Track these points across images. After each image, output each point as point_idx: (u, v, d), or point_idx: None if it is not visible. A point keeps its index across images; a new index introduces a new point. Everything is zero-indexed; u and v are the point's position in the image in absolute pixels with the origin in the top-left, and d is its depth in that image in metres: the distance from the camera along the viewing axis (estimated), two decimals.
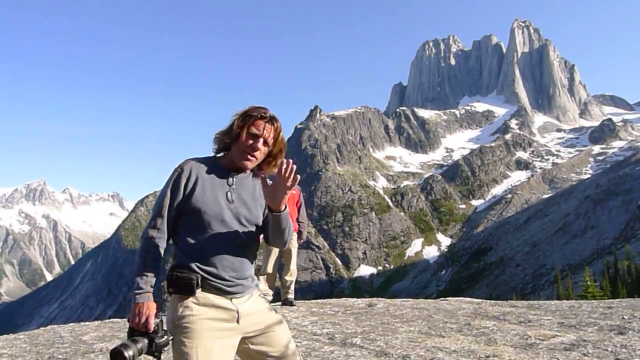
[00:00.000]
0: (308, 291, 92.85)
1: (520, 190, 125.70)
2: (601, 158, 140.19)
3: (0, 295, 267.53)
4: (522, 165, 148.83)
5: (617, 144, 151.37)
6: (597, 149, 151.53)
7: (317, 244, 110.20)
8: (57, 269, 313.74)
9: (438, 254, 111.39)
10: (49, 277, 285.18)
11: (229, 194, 2.14)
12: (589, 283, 28.91)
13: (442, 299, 7.73)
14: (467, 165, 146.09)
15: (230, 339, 2.06)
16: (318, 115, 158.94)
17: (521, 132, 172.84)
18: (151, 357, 1.95)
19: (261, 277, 7.06)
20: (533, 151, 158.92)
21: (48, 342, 5.15)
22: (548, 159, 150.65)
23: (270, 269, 6.97)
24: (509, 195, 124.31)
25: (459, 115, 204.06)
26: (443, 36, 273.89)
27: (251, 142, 2.13)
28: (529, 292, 70.18)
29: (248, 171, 2.24)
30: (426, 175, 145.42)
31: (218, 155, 2.24)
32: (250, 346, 2.14)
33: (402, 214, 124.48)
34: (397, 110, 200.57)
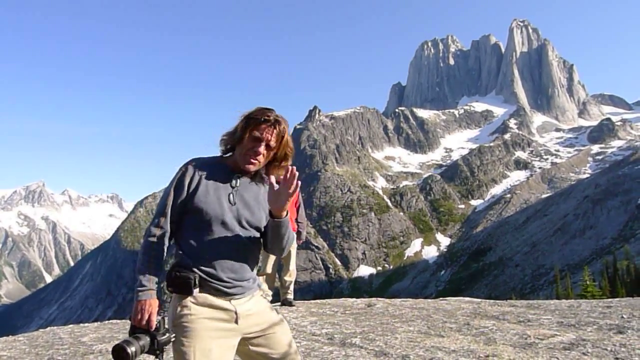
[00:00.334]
0: (307, 291, 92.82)
1: (519, 190, 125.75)
2: (600, 158, 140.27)
3: (0, 297, 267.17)
4: (521, 165, 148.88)
5: (616, 143, 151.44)
6: (596, 148, 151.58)
7: (316, 244, 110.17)
8: (57, 271, 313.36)
9: (437, 254, 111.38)
10: (49, 279, 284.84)
11: (231, 195, 2.12)
12: (588, 283, 28.88)
13: (441, 298, 7.73)
14: (466, 165, 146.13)
15: (229, 339, 2.05)
16: (317, 115, 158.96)
17: (520, 132, 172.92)
18: (153, 357, 1.95)
19: (260, 278, 7.06)
20: (532, 151, 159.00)
21: (47, 344, 5.14)
22: (547, 159, 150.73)
23: (269, 269, 6.97)
24: (508, 195, 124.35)
25: (457, 115, 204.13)
26: (442, 36, 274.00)
27: (252, 146, 2.11)
28: (528, 292, 70.18)
29: (253, 173, 2.20)
30: (425, 176, 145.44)
31: (224, 155, 2.21)
32: (251, 347, 2.14)
33: (401, 214, 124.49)
34: (396, 110, 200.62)
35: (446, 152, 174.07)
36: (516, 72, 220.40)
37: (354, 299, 7.61)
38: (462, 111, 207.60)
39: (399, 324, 5.13)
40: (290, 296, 7.04)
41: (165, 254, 2.07)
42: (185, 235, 2.09)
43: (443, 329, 4.78)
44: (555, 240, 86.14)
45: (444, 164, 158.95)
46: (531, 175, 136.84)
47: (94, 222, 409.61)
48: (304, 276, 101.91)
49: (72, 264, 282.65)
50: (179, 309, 2.02)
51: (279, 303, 7.03)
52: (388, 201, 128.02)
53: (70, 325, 6.67)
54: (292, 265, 7.12)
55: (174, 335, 1.97)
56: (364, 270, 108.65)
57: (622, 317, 5.07)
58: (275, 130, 2.13)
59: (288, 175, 2.02)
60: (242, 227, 2.13)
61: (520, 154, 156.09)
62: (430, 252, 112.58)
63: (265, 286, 7.09)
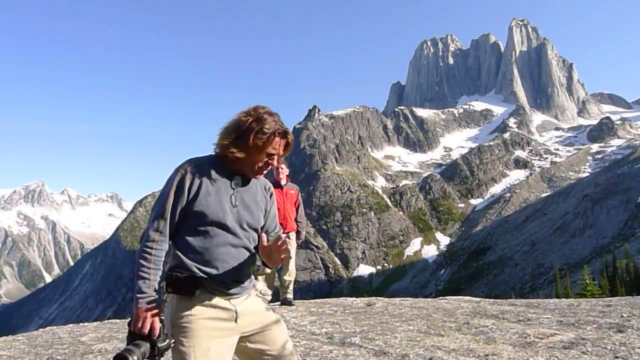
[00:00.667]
0: (307, 291, 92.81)
1: (519, 189, 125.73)
2: (600, 157, 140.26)
3: (0, 297, 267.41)
4: (520, 164, 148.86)
5: (616, 142, 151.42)
6: (595, 147, 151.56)
7: (316, 243, 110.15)
8: (56, 270, 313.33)
9: (437, 253, 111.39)
10: (48, 279, 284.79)
11: (233, 197, 2.11)
12: (587, 282, 28.91)
13: (440, 298, 7.74)
14: (465, 165, 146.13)
15: (228, 338, 2.07)
16: (316, 115, 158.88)
17: (520, 131, 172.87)
18: None
19: (260, 277, 7.07)
20: (531, 150, 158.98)
21: (47, 343, 5.14)
22: (546, 158, 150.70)
23: (268, 269, 6.96)
24: (508, 194, 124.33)
25: (457, 115, 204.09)
26: (441, 35, 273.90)
27: (267, 159, 2.12)
28: (528, 291, 70.22)
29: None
30: (425, 175, 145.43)
31: (221, 154, 2.16)
32: (248, 345, 2.15)
33: (400, 213, 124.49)
34: (396, 109, 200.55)
35: (446, 151, 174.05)
36: (516, 71, 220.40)
37: (354, 299, 7.62)
38: (461, 110, 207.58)
39: (399, 323, 5.13)
40: (290, 296, 7.04)
41: (164, 258, 2.02)
42: (185, 237, 2.07)
43: (443, 328, 4.78)
44: (555, 239, 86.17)
45: (444, 163, 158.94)
46: (531, 174, 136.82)
47: (93, 221, 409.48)
48: (303, 276, 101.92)
49: (71, 263, 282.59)
50: (179, 309, 2.01)
51: (279, 302, 7.03)
52: (388, 200, 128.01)
53: (70, 325, 6.67)
54: (292, 265, 7.13)
55: (173, 340, 1.95)
56: (364, 270, 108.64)
57: (622, 316, 5.07)
58: (286, 141, 2.15)
59: (279, 243, 2.03)
60: (243, 229, 2.14)
61: (519, 153, 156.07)
62: (430, 252, 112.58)
63: (264, 286, 7.11)
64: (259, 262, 2.20)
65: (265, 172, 2.18)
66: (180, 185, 2.04)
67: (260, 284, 7.10)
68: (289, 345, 2.22)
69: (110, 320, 7.03)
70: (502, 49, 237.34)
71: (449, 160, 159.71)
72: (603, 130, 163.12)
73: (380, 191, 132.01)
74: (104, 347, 4.70)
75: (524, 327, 4.71)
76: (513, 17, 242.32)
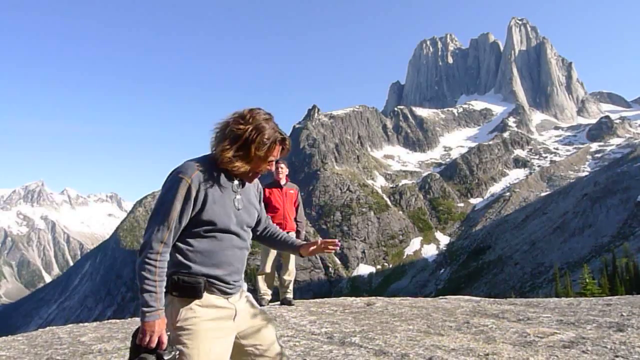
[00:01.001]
0: (307, 290, 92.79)
1: (519, 189, 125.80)
2: (599, 156, 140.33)
3: None
4: (520, 163, 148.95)
5: (615, 141, 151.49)
6: (595, 146, 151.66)
7: None
8: (56, 270, 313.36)
9: (437, 252, 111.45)
10: (48, 279, 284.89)
11: (235, 201, 2.13)
12: (587, 281, 28.95)
13: (440, 297, 7.74)
14: (465, 164, 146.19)
15: (229, 337, 2.09)
16: (316, 114, 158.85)
17: (519, 130, 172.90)
18: None
19: (259, 277, 7.08)
20: (531, 149, 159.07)
21: (46, 344, 5.14)
22: (546, 157, 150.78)
23: (268, 269, 6.98)
24: (507, 194, 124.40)
25: (457, 114, 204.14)
26: (440, 35, 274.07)
27: (265, 166, 2.13)
28: (528, 290, 70.26)
29: None
30: (424, 174, 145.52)
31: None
32: (242, 341, 2.18)
33: (400, 212, 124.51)
34: (395, 109, 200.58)
35: (445, 150, 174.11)
36: (515, 70, 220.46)
37: (353, 298, 7.62)
38: (461, 110, 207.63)
39: (399, 323, 5.13)
40: (290, 295, 7.04)
41: (167, 265, 1.99)
42: (189, 241, 2.04)
43: (442, 328, 4.78)
44: (555, 239, 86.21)
45: (443, 162, 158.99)
46: (530, 173, 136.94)
47: (93, 221, 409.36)
48: (303, 275, 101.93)
49: (71, 263, 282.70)
50: (182, 312, 1.99)
51: (279, 302, 7.03)
52: (387, 200, 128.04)
53: (70, 325, 6.66)
54: (292, 265, 7.12)
55: (178, 352, 1.93)
56: (364, 269, 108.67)
57: (622, 315, 5.07)
58: (283, 147, 2.16)
59: (331, 245, 2.35)
60: (244, 230, 2.18)
61: (519, 152, 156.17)
62: (430, 251, 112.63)
63: (264, 285, 7.11)
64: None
65: (260, 175, 2.21)
66: (187, 195, 1.98)
67: (260, 283, 7.10)
68: (277, 344, 2.28)
69: (109, 320, 7.02)
70: (502, 48, 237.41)
71: (448, 160, 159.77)
72: (602, 129, 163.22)
73: (379, 191, 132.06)
74: (103, 347, 4.70)
75: (524, 326, 4.71)
76: (512, 16, 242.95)
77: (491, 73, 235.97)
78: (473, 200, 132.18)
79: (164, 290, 1.95)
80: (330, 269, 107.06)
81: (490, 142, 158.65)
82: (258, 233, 2.46)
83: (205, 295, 2.03)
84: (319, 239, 2.42)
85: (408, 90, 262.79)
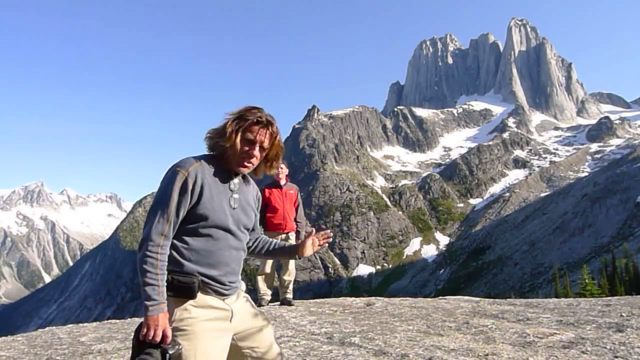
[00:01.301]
0: (306, 291, 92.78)
1: (518, 189, 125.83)
2: (599, 156, 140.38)
3: None
4: (519, 163, 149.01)
5: (615, 142, 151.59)
6: (594, 147, 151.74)
7: None
8: (56, 271, 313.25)
9: (436, 252, 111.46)
10: (48, 279, 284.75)
11: (232, 200, 2.11)
12: (587, 281, 28.92)
13: (440, 297, 7.74)
14: (465, 164, 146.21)
15: (225, 338, 2.07)
16: (316, 115, 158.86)
17: (519, 131, 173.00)
18: None
19: (259, 277, 7.07)
20: (531, 150, 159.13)
21: (46, 344, 5.14)
22: (546, 158, 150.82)
23: (268, 269, 6.98)
24: (507, 194, 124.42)
25: (456, 114, 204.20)
26: (440, 35, 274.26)
27: (247, 148, 2.08)
28: (527, 290, 70.24)
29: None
30: (424, 174, 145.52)
31: (214, 153, 2.15)
32: (239, 343, 2.16)
33: (400, 213, 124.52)
34: (395, 109, 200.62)
35: (445, 151, 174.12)
36: (515, 70, 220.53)
37: (353, 298, 7.61)
38: (460, 110, 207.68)
39: (398, 323, 5.13)
40: (290, 295, 7.04)
41: (167, 262, 1.98)
42: (185, 239, 2.03)
43: (442, 328, 4.78)
44: (554, 239, 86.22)
45: (443, 162, 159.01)
46: (530, 173, 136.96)
47: (92, 221, 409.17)
48: (303, 275, 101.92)
49: (71, 263, 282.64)
50: (178, 312, 1.97)
51: (279, 302, 7.03)
52: (387, 200, 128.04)
53: (69, 325, 6.66)
54: (291, 265, 7.13)
55: (182, 346, 1.91)
56: (363, 270, 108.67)
57: (621, 315, 5.07)
58: (268, 131, 2.11)
59: (325, 238, 2.37)
60: (240, 230, 2.16)
61: (519, 153, 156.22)
62: (429, 251, 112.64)
63: (264, 285, 7.11)
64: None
65: (249, 164, 2.13)
66: (184, 187, 1.98)
67: (260, 283, 7.10)
68: (275, 345, 2.26)
69: (109, 321, 7.02)
70: (501, 48, 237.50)
71: (448, 160, 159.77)
72: (602, 129, 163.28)
73: (379, 191, 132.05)
74: (103, 348, 4.70)
75: (524, 326, 4.71)
76: (512, 17, 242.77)
77: (491, 73, 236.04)
78: (473, 201, 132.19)
79: (165, 282, 1.93)
80: (330, 269, 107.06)
81: (490, 143, 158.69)
82: (249, 244, 2.40)
83: (201, 295, 2.01)
84: (313, 231, 2.40)
85: (408, 90, 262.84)
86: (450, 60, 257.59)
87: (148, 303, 1.85)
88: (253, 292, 6.58)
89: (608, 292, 32.79)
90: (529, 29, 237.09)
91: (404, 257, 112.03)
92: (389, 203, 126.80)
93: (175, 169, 2.02)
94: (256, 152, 2.10)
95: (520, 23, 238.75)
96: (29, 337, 5.77)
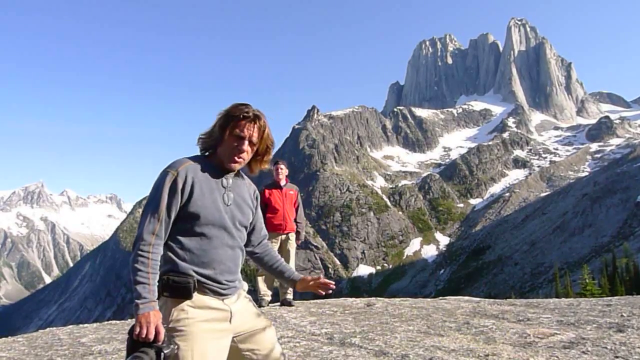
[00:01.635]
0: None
1: (518, 189, 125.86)
2: (599, 156, 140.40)
3: None
4: (519, 163, 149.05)
5: (615, 141, 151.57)
6: (594, 146, 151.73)
7: (315, 244, 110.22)
8: (56, 271, 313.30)
9: (436, 253, 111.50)
10: (48, 280, 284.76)
11: (225, 196, 2.11)
12: (587, 281, 28.94)
13: (440, 298, 7.73)
14: (464, 164, 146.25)
15: (224, 339, 2.05)
16: (315, 115, 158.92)
17: (518, 131, 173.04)
18: None
19: (259, 278, 7.07)
20: (530, 149, 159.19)
21: (46, 345, 5.14)
22: (545, 157, 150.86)
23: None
24: (507, 194, 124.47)
25: (456, 114, 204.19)
26: (440, 35, 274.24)
27: (236, 144, 2.10)
28: (528, 290, 70.29)
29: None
30: (424, 175, 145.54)
31: (207, 154, 2.18)
32: (239, 345, 2.14)
33: (400, 213, 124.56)
34: (395, 109, 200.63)
35: (445, 151, 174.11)
36: (514, 70, 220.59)
37: (353, 299, 7.61)
38: (460, 110, 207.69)
39: (399, 324, 5.13)
40: (290, 296, 7.04)
41: (159, 262, 1.98)
42: (179, 239, 2.04)
43: (442, 328, 4.78)
44: (554, 239, 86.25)
45: (443, 163, 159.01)
46: (530, 173, 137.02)
47: (92, 222, 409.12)
48: None
49: (71, 264, 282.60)
50: (175, 312, 1.96)
51: (279, 303, 7.02)
52: (387, 200, 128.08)
53: (70, 326, 6.66)
54: (291, 265, 7.12)
55: (177, 346, 1.90)
56: (363, 270, 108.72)
57: (622, 315, 5.07)
58: (255, 126, 2.12)
59: (325, 286, 2.47)
60: (236, 228, 2.15)
61: (518, 153, 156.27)
62: (430, 251, 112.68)
63: (264, 286, 7.11)
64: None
65: (239, 159, 2.13)
66: (173, 186, 2.01)
67: (260, 284, 7.10)
68: (277, 347, 2.24)
69: (109, 322, 7.02)
70: (501, 48, 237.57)
71: (448, 160, 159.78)
72: (602, 129, 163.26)
73: (379, 191, 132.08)
74: (103, 349, 4.70)
75: (524, 327, 4.71)
76: (511, 16, 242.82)
77: (490, 73, 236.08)
78: (473, 201, 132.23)
79: (157, 281, 1.94)
80: (330, 269, 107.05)
81: (490, 143, 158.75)
82: (254, 245, 2.40)
83: (198, 296, 2.00)
84: (320, 277, 2.47)
85: (407, 90, 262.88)
86: (449, 60, 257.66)
87: (138, 301, 1.85)
88: (253, 292, 6.57)
89: (608, 291, 32.78)
90: (528, 29, 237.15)
91: (404, 258, 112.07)
92: (388, 203, 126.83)
93: (166, 169, 2.06)
94: (245, 146, 2.10)
95: (519, 23, 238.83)
96: (29, 338, 5.77)
